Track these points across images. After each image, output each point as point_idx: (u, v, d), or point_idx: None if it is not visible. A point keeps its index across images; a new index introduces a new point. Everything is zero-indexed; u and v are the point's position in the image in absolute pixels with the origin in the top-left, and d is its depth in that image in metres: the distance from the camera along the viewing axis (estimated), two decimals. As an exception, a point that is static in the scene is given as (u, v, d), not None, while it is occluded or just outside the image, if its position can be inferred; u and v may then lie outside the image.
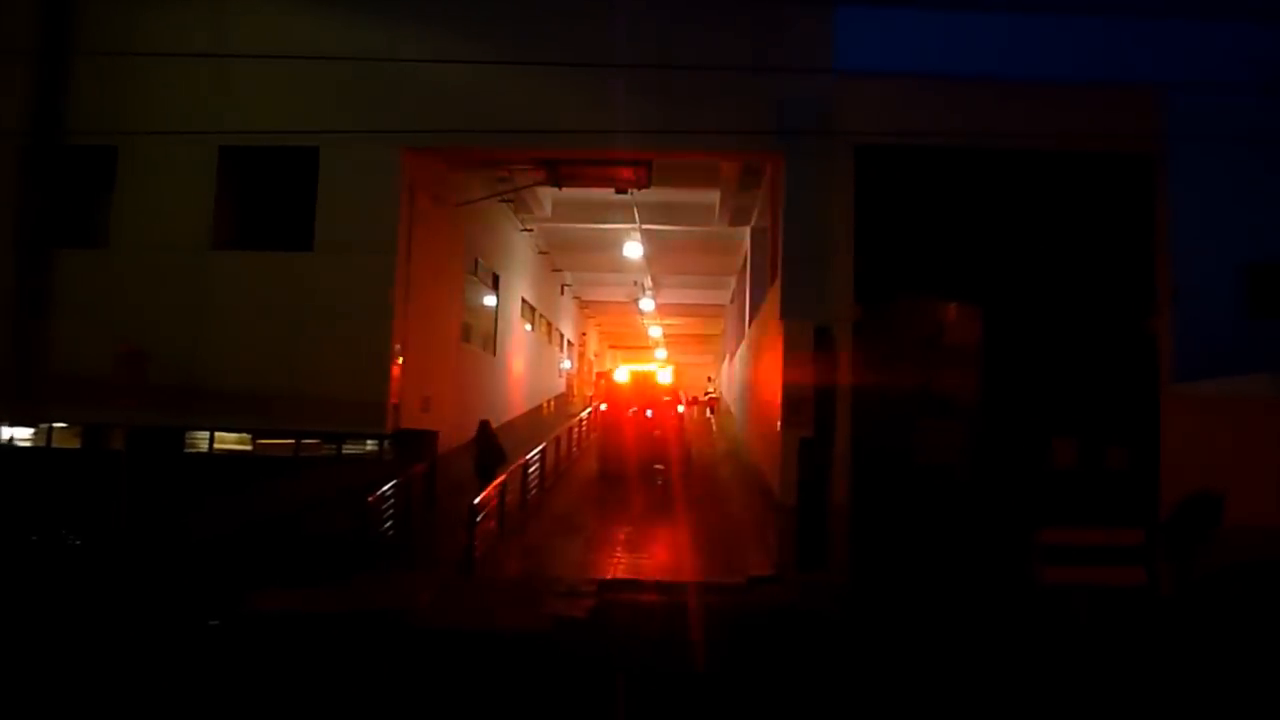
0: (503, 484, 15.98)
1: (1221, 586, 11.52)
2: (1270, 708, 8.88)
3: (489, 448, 17.09)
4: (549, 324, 34.64)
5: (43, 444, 16.26)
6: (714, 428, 35.10)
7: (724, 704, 8.66)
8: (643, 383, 23.65)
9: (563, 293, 37.88)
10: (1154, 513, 13.08)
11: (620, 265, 31.75)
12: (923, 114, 13.91)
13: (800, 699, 8.84)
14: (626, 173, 18.31)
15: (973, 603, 12.13)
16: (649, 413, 21.84)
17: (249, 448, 16.11)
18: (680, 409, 23.36)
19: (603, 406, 23.13)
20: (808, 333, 14.19)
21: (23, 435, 16.40)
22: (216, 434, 16.10)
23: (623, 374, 24.89)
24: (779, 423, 14.35)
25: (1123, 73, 13.98)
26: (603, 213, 25.30)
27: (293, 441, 15.93)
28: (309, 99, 15.43)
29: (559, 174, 18.60)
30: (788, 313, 14.52)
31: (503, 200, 22.57)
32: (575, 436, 25.97)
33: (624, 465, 21.11)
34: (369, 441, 16.00)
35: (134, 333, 14.50)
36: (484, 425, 17.42)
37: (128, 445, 13.80)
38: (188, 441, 16.03)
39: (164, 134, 15.04)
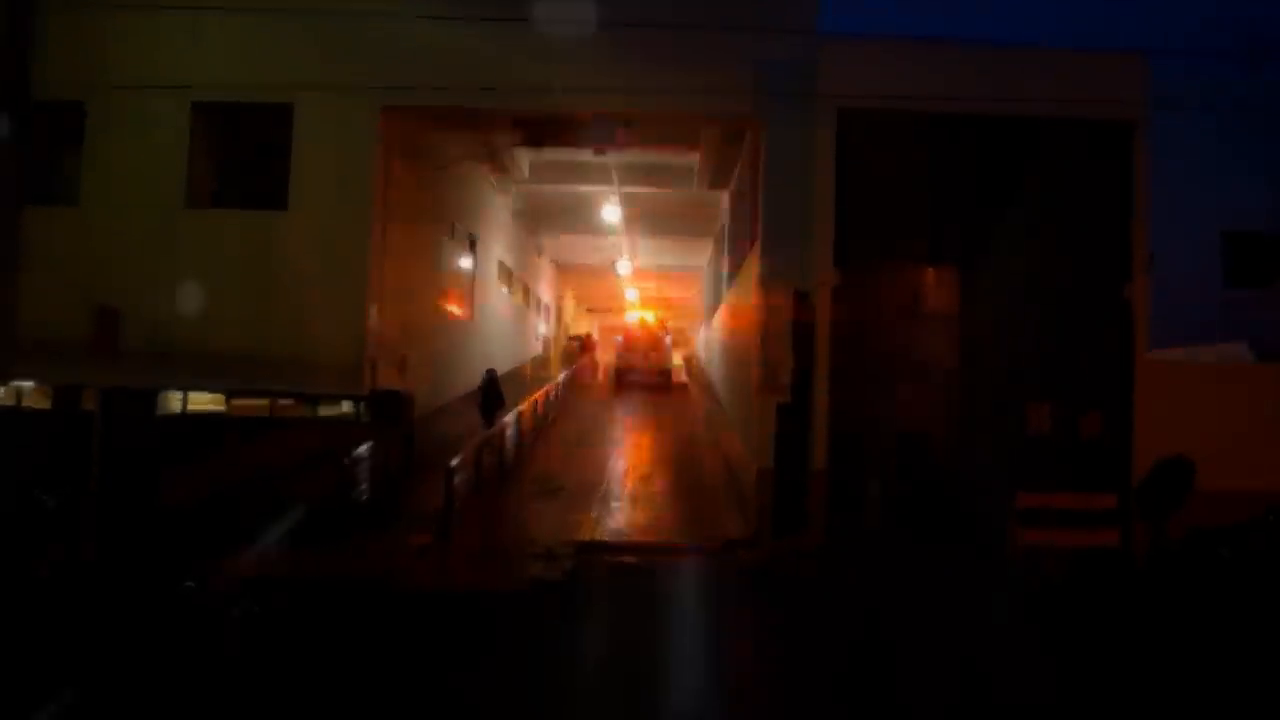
0: (480, 446, 15.95)
1: (1193, 548, 11.70)
2: (1228, 655, 9.08)
3: (492, 393, 20.10)
4: (526, 287, 34.46)
5: (12, 403, 16.02)
6: (692, 394, 35.17)
7: (697, 666, 8.73)
8: (643, 321, 39.43)
9: (539, 256, 37.68)
10: (1128, 478, 13.21)
11: (597, 228, 31.56)
12: (905, 78, 13.80)
13: (771, 664, 8.92)
14: (604, 132, 18.14)
15: (950, 566, 12.23)
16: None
17: (223, 408, 15.94)
18: (667, 338, 37.68)
19: (618, 338, 38.48)
20: (787, 297, 14.16)
21: (-8, 395, 16.15)
22: (190, 394, 15.91)
23: (633, 317, 41.81)
24: (757, 387, 14.35)
25: (1106, 39, 13.95)
26: (581, 175, 25.09)
27: (268, 402, 15.77)
28: (284, 54, 15.14)
29: (536, 133, 18.43)
30: (766, 277, 14.49)
31: (480, 161, 22.34)
32: (557, 399, 25.95)
33: (631, 367, 36.02)
34: (345, 403, 15.87)
35: (106, 291, 14.27)
36: (490, 373, 20.67)
37: (100, 406, 13.62)
38: (161, 402, 15.84)
39: (134, 89, 14.75)
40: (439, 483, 14.02)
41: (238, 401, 15.88)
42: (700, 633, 9.77)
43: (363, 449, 14.16)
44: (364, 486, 14.19)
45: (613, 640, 9.38)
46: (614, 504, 15.86)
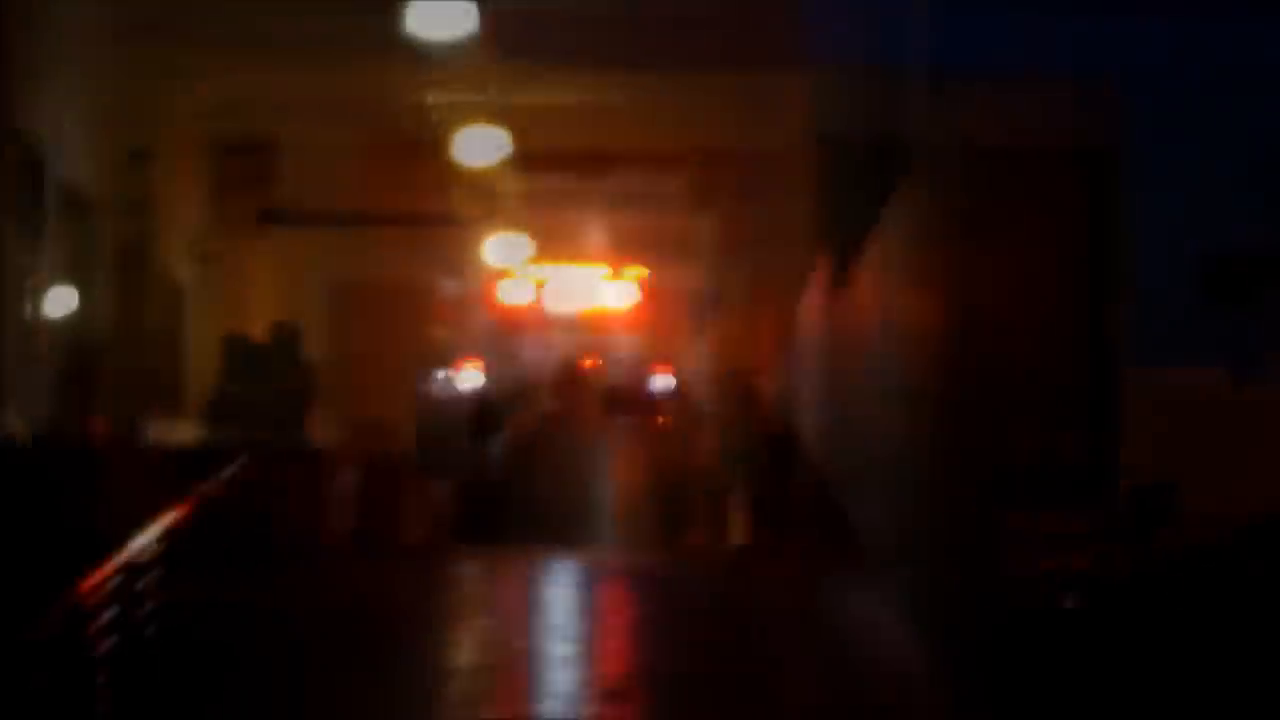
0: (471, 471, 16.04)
1: (1175, 571, 11.69)
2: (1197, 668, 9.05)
3: (485, 417, 20.31)
4: (517, 312, 34.54)
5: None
6: (677, 416, 35.26)
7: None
8: (631, 355, 39.45)
9: (529, 280, 37.75)
10: (1112, 500, 13.23)
11: (586, 253, 31.73)
12: (882, 105, 13.96)
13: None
14: (592, 159, 18.28)
15: (939, 587, 12.22)
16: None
17: (207, 440, 15.89)
18: (655, 368, 38.19)
19: (608, 364, 39.98)
20: (771, 319, 14.26)
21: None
22: (174, 427, 15.87)
23: (620, 352, 40.86)
24: (744, 409, 14.42)
25: (1082, 64, 14.09)
26: (567, 201, 25.25)
27: (255, 433, 15.74)
28: (271, 89, 15.24)
29: (523, 161, 18.55)
30: (751, 299, 14.60)
31: (464, 190, 22.47)
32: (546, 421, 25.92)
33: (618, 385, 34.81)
34: (332, 432, 15.88)
35: (90, 320, 14.28)
36: (484, 396, 21.74)
37: (81, 440, 13.59)
38: (145, 434, 15.79)
39: (122, 122, 14.84)
40: (428, 510, 14.07)
41: (226, 433, 15.83)
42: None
43: (348, 480, 14.16)
44: (349, 515, 14.19)
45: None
46: (603, 532, 15.88)
